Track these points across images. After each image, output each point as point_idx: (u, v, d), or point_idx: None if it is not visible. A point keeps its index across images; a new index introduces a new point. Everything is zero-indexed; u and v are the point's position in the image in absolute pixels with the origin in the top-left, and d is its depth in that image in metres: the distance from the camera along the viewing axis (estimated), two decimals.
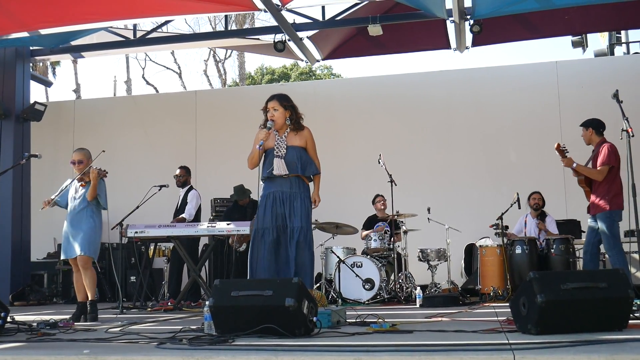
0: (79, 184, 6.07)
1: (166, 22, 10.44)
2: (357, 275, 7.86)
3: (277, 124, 5.23)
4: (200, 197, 8.60)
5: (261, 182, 5.33)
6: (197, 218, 8.43)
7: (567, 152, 6.48)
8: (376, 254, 8.33)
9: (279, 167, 5.19)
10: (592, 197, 6.44)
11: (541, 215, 8.68)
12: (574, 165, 6.45)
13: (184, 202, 8.49)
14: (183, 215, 8.31)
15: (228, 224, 7.09)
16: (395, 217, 8.36)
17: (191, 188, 8.64)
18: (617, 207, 6.27)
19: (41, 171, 10.55)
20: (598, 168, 6.34)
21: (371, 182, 9.39)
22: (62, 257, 6.16)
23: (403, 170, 9.27)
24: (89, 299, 5.91)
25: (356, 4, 9.20)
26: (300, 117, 5.34)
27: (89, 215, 5.99)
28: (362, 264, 7.96)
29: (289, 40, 9.57)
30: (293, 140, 5.26)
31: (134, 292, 8.28)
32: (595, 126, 6.57)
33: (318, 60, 11.03)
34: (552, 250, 7.95)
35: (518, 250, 8.02)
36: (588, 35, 13.84)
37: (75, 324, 5.40)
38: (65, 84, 49.46)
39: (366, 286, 7.85)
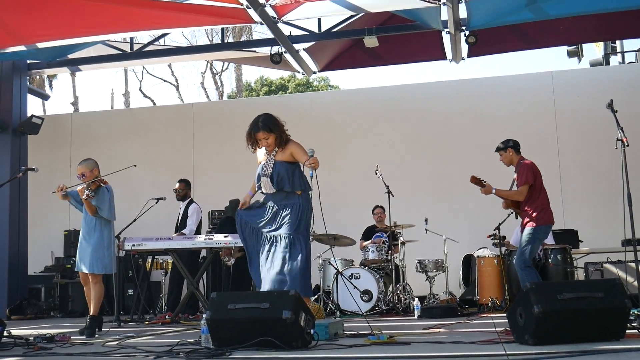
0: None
1: (163, 35, 10.46)
2: (355, 287, 7.84)
3: (269, 147, 5.34)
4: (202, 211, 8.59)
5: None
6: (197, 231, 8.40)
7: (484, 180, 6.48)
8: (374, 265, 8.32)
9: (265, 186, 5.36)
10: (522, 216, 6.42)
11: None
12: (494, 191, 6.43)
13: (185, 216, 8.47)
14: (184, 231, 8.29)
15: (225, 236, 7.09)
16: (394, 228, 8.36)
17: (191, 201, 8.61)
18: (544, 222, 6.26)
19: (38, 185, 10.51)
20: (517, 188, 6.33)
21: (368, 194, 9.38)
22: (76, 269, 6.13)
23: (400, 181, 9.27)
24: (90, 313, 5.92)
25: (352, 16, 9.23)
26: (285, 132, 5.39)
27: (96, 229, 6.00)
28: (360, 276, 7.95)
29: (285, 52, 9.59)
30: (280, 156, 5.38)
31: (131, 305, 8.24)
32: (513, 146, 6.61)
33: (315, 72, 11.05)
34: (550, 260, 7.93)
35: None
36: (583, 45, 13.91)
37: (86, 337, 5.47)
38: (63, 96, 49.56)
39: (364, 298, 7.84)
